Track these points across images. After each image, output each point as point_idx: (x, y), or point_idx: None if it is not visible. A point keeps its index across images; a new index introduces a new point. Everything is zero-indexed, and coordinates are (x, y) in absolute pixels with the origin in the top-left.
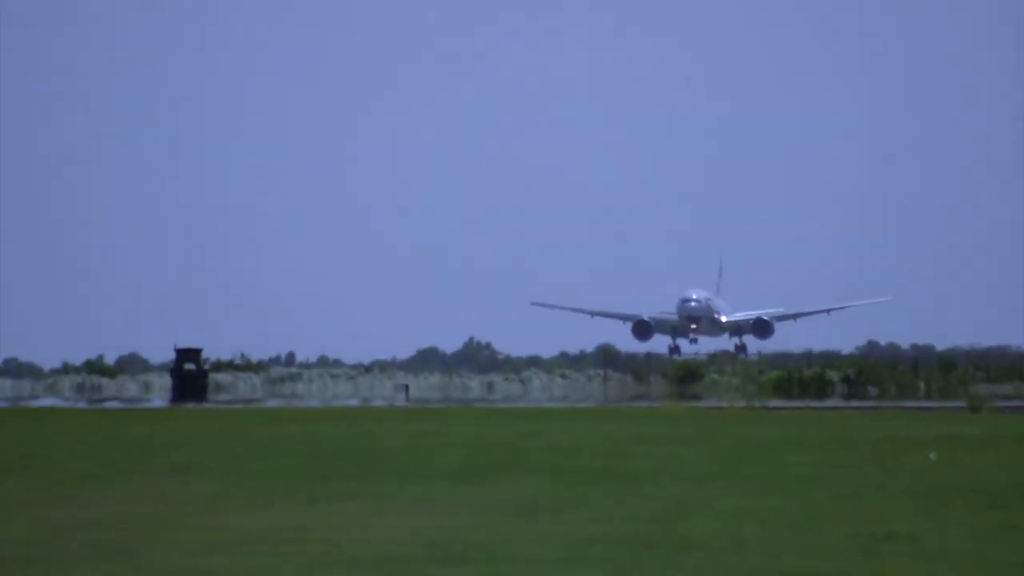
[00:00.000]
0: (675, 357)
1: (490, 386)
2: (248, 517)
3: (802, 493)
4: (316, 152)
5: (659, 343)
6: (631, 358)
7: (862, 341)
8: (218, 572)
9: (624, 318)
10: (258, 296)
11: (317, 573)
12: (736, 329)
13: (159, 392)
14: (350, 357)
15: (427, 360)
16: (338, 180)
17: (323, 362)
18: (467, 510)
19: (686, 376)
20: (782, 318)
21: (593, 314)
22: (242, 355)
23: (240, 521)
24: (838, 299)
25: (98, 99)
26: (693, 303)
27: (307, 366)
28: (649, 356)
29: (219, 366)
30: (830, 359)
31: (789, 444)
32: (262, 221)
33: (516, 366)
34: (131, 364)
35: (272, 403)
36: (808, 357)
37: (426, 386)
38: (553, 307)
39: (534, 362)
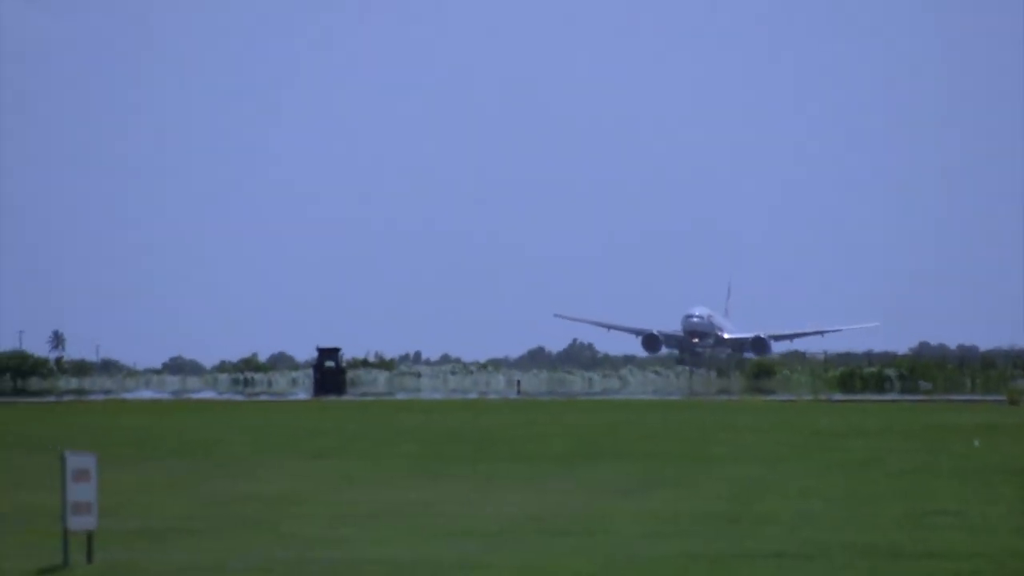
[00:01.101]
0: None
1: (591, 381)
2: (377, 494)
3: (862, 474)
4: (458, 174)
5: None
6: (714, 357)
7: (915, 343)
8: (349, 541)
9: (636, 332)
10: (390, 302)
11: (437, 543)
12: (738, 345)
13: (303, 386)
14: (468, 356)
15: (536, 358)
16: (481, 198)
17: (445, 359)
18: (569, 489)
19: (761, 372)
20: (779, 337)
21: (609, 327)
22: (376, 353)
23: (370, 497)
24: (875, 314)
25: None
26: (696, 319)
27: (431, 363)
28: (730, 356)
29: (355, 363)
30: (887, 358)
31: (851, 432)
32: (395, 237)
33: (614, 363)
34: (280, 362)
35: (400, 396)
36: (868, 356)
37: (535, 381)
38: (573, 319)
39: (630, 360)
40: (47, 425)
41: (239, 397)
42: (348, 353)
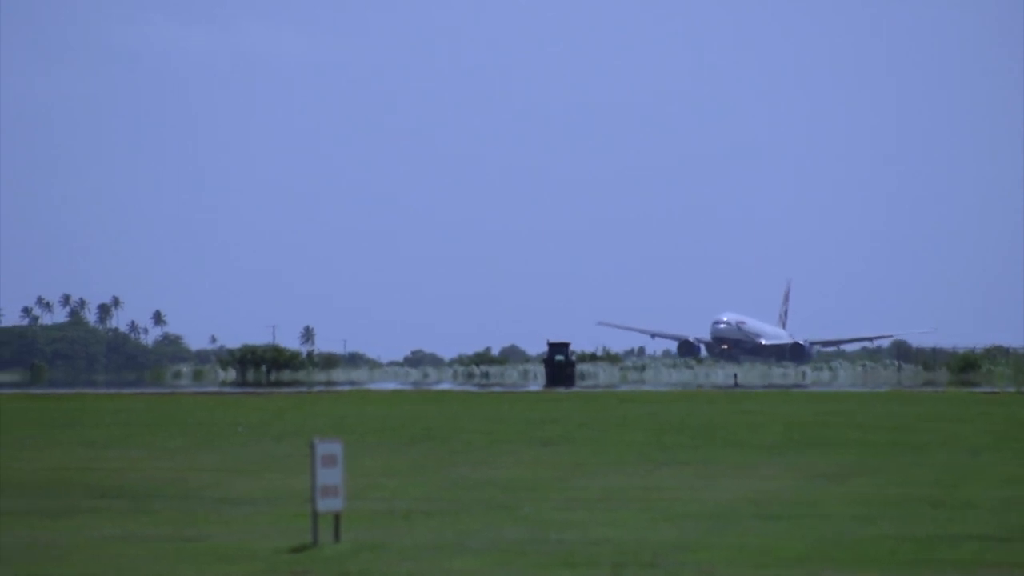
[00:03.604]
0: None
1: (803, 374)
2: (604, 479)
3: None
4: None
5: None
6: (920, 352)
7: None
8: (580, 524)
9: (674, 338)
10: (615, 300)
11: (659, 525)
12: (777, 352)
13: (534, 378)
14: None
15: (758, 354)
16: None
17: (667, 354)
18: (783, 475)
19: (966, 366)
20: (826, 343)
21: (653, 335)
22: (603, 348)
23: (598, 482)
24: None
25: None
26: (722, 325)
27: (654, 358)
28: (935, 350)
29: (583, 357)
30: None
31: None
32: (627, 236)
33: (825, 357)
34: (512, 355)
35: (625, 388)
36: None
37: (751, 374)
38: (617, 327)
39: (839, 354)
40: (298, 414)
41: (474, 388)
42: (577, 347)
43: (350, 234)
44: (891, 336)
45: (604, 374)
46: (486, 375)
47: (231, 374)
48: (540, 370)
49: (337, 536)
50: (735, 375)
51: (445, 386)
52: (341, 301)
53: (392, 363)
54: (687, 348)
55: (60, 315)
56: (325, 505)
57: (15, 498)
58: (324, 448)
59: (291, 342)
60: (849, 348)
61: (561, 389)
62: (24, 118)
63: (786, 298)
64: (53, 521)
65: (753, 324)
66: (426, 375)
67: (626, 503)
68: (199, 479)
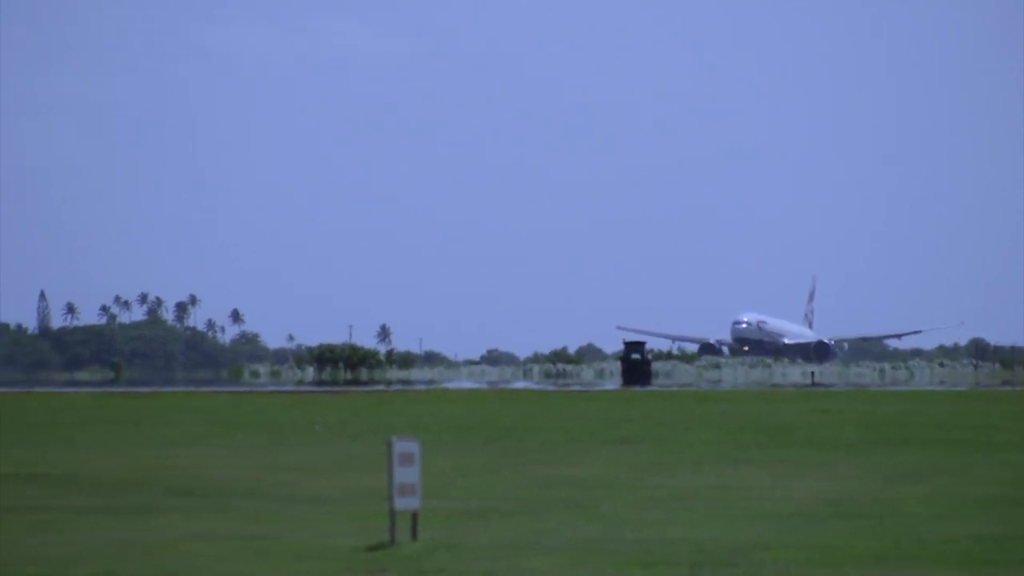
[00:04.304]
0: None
1: (881, 372)
2: (681, 478)
3: None
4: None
5: None
6: (998, 350)
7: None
8: (657, 523)
9: (695, 341)
10: (694, 300)
11: (736, 525)
12: (801, 351)
13: (610, 377)
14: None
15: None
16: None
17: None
18: (861, 474)
19: None
20: (851, 341)
21: (674, 339)
22: (679, 347)
23: (674, 482)
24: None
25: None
26: (743, 326)
27: (728, 357)
28: (1014, 349)
29: (659, 356)
30: None
31: None
32: (701, 236)
33: (902, 356)
34: (588, 353)
35: (701, 386)
36: None
37: (828, 373)
38: (636, 331)
39: (917, 353)
40: (375, 413)
41: (550, 387)
42: (652, 346)
43: (428, 234)
44: (919, 332)
45: (680, 372)
46: (562, 374)
47: (308, 373)
48: (616, 368)
49: (414, 535)
50: (812, 373)
51: (521, 385)
52: (418, 300)
53: (468, 362)
54: (708, 351)
55: (138, 313)
56: (402, 504)
57: (94, 496)
58: (401, 447)
59: (367, 341)
60: (877, 344)
61: (637, 388)
62: (92, 116)
63: (811, 296)
64: (131, 519)
65: (775, 323)
66: (502, 374)
67: (703, 502)
68: (276, 478)
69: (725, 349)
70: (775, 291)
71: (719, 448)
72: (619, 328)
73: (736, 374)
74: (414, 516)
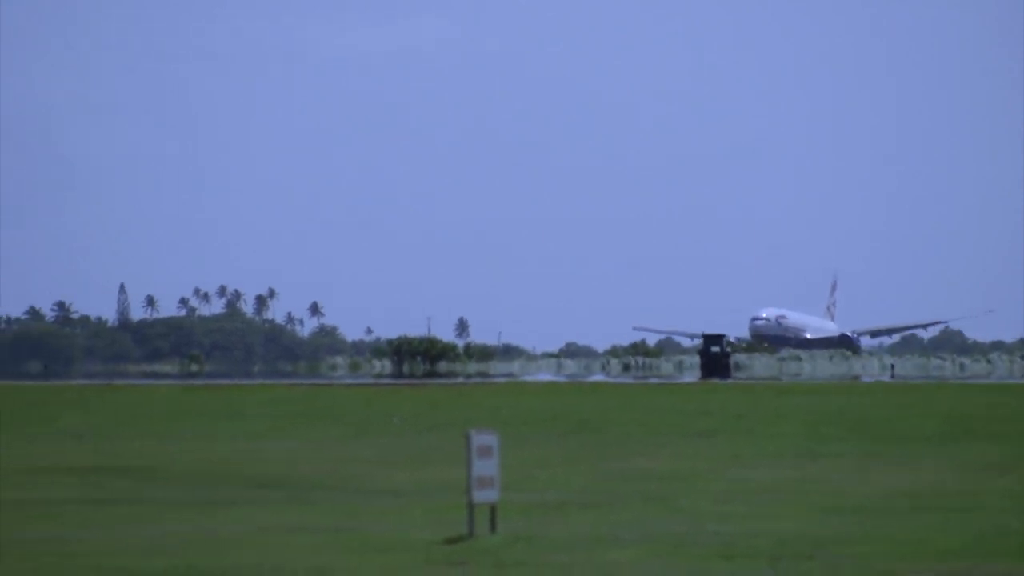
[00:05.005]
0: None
1: (961, 366)
2: (761, 471)
3: None
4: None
5: None
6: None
7: None
8: (737, 516)
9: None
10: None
11: (816, 518)
12: (824, 345)
13: (689, 370)
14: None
15: (909, 344)
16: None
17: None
18: (941, 467)
19: None
20: (875, 333)
21: (692, 336)
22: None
23: (755, 474)
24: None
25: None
26: (761, 322)
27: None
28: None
29: (737, 347)
30: None
31: None
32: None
33: (983, 349)
34: (667, 347)
35: (782, 379)
36: None
37: (908, 366)
38: (653, 331)
39: (998, 346)
40: (453, 405)
41: (629, 380)
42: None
43: (507, 228)
44: (943, 323)
45: (760, 365)
46: (641, 367)
47: (386, 365)
48: (695, 361)
49: (492, 527)
50: (892, 366)
51: (599, 378)
52: (497, 293)
53: (546, 355)
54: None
55: (217, 306)
56: (481, 496)
57: (177, 488)
58: (479, 439)
59: (446, 334)
60: (896, 336)
61: (717, 380)
62: (173, 109)
63: (833, 289)
64: (213, 511)
65: (795, 318)
66: (580, 367)
67: (783, 495)
68: (355, 470)
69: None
70: (797, 285)
71: (799, 441)
72: (635, 328)
73: (816, 367)
74: (492, 509)
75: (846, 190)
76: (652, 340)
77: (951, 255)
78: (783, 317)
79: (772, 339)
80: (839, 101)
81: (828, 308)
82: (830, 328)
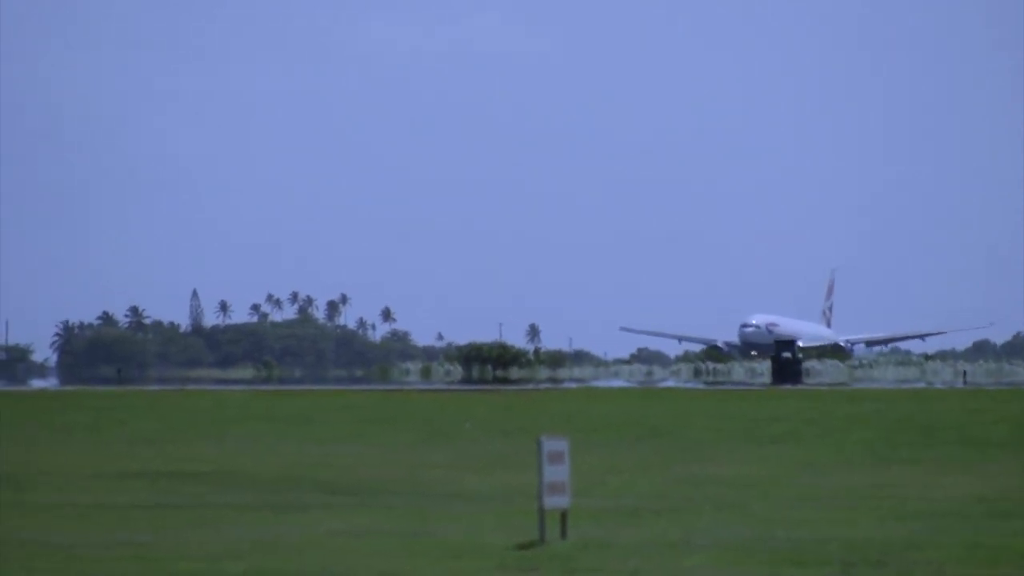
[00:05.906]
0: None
1: None
2: (833, 477)
3: None
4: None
5: None
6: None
7: None
8: (809, 522)
9: (701, 343)
10: (848, 294)
11: (888, 524)
12: (817, 355)
13: (761, 375)
14: (917, 348)
15: (982, 350)
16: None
17: (894, 351)
18: (1014, 472)
19: None
20: (871, 342)
21: (680, 339)
22: (832, 344)
23: (826, 480)
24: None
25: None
26: (750, 329)
27: (881, 355)
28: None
29: (808, 352)
30: None
31: None
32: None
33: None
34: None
35: (854, 385)
36: None
37: (981, 372)
38: (639, 332)
39: None
40: (525, 411)
41: (700, 386)
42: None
43: (580, 234)
44: (943, 332)
45: (831, 371)
46: (712, 372)
47: (457, 371)
48: (767, 367)
49: (564, 533)
50: (964, 372)
51: (670, 383)
52: (568, 299)
53: (617, 361)
54: (714, 353)
55: (289, 312)
56: (552, 502)
57: (248, 493)
58: (551, 445)
59: (517, 340)
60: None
61: (788, 386)
62: (247, 114)
63: (830, 291)
64: (284, 516)
65: (787, 325)
66: (651, 373)
67: (855, 501)
68: (428, 475)
69: (734, 353)
70: (793, 289)
71: (871, 447)
72: (623, 330)
73: (887, 373)
74: (564, 514)
75: (846, 190)
76: (639, 342)
77: (953, 262)
78: (774, 324)
79: (762, 347)
80: (839, 101)
81: (824, 312)
82: (825, 335)
